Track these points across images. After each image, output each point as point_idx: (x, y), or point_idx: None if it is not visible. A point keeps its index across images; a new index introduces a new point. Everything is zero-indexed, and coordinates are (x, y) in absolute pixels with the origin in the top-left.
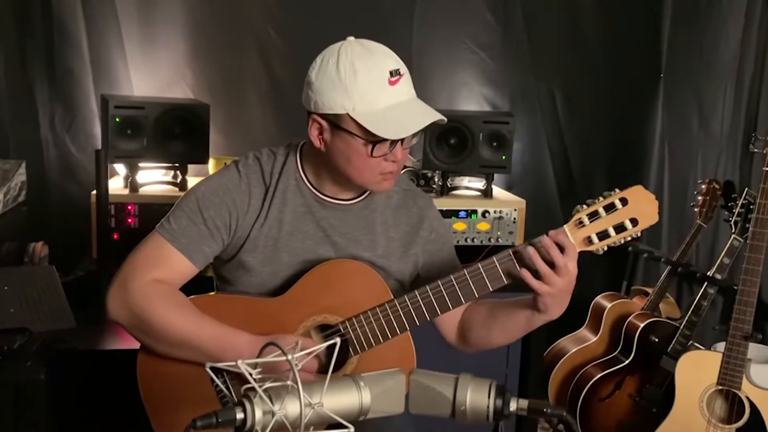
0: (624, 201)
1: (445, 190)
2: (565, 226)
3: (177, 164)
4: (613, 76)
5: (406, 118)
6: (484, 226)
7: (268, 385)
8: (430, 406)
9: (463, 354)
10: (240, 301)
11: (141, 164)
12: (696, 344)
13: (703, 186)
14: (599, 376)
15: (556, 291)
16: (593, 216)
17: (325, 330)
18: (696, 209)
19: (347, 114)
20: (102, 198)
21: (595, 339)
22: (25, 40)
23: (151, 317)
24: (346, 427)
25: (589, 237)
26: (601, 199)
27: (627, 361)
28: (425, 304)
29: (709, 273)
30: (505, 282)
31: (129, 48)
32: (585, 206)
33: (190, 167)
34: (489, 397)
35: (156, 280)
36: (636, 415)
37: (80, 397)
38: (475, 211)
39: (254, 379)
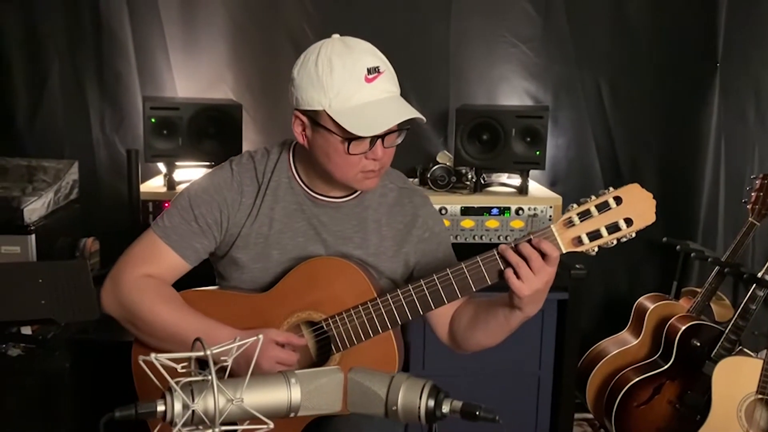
0: (618, 200)
1: (479, 187)
2: (552, 225)
3: (213, 163)
4: (665, 66)
5: (380, 116)
6: (517, 223)
7: (188, 379)
8: (365, 405)
9: (496, 355)
10: (228, 296)
11: (179, 163)
12: (746, 350)
13: (757, 181)
14: (636, 380)
15: (531, 291)
16: (584, 215)
17: (313, 326)
18: (749, 206)
19: (324, 110)
20: (133, 196)
21: (636, 341)
22: (76, 47)
23: (140, 311)
24: (265, 423)
25: (579, 237)
26: (593, 197)
27: (666, 366)
28: (407, 303)
29: (759, 274)
30: (489, 282)
31: (172, 52)
32: (576, 205)
33: None
34: (421, 397)
35: (147, 275)
36: (676, 422)
37: (102, 385)
38: (508, 209)
39: (176, 373)
